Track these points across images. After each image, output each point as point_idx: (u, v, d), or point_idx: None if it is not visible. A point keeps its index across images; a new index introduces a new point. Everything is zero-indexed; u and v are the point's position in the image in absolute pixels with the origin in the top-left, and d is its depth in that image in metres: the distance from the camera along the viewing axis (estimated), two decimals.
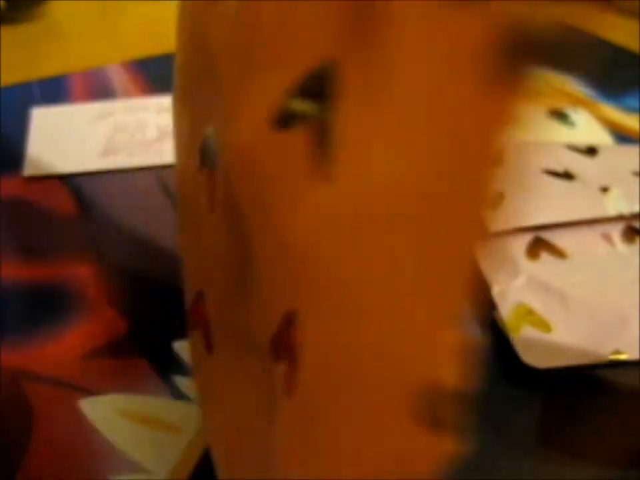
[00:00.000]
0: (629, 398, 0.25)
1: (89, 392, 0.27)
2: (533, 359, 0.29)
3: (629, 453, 0.25)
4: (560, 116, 0.44)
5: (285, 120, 0.16)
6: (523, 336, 0.29)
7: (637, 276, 0.33)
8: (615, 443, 0.24)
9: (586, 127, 0.43)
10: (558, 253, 0.34)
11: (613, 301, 0.31)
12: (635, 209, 0.35)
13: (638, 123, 0.43)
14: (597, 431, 0.26)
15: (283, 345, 0.17)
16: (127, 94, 0.46)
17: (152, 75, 0.48)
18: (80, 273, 0.32)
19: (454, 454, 0.14)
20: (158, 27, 0.53)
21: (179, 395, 0.27)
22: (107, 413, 0.26)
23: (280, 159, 0.16)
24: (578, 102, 0.45)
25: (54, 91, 0.46)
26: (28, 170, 0.39)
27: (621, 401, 0.28)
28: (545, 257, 0.33)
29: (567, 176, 0.37)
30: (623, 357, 0.29)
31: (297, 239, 0.16)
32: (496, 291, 0.31)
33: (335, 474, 0.15)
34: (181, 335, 0.29)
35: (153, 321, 0.30)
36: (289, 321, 0.16)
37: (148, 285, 0.32)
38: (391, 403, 0.14)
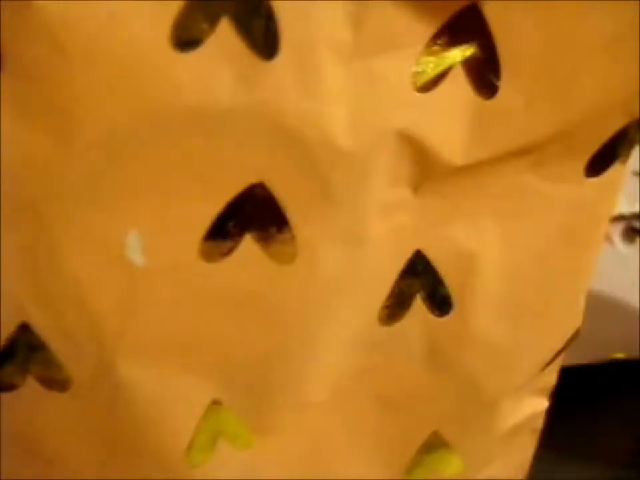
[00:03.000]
0: (628, 397, 0.26)
1: None
2: None
3: (629, 452, 0.27)
4: None
5: None
6: None
7: (637, 276, 0.34)
8: (615, 442, 0.26)
9: None
10: None
11: (613, 301, 0.32)
12: (635, 209, 0.36)
13: None
14: (596, 430, 0.27)
15: None
16: None
17: None
18: None
19: None
20: None
21: None
22: None
23: None
24: None
25: None
26: None
27: (620, 400, 0.29)
28: None
29: None
30: (622, 356, 0.31)
31: None
32: None
33: None
34: None
35: None
36: None
37: None
38: None
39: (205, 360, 0.25)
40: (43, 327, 0.24)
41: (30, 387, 0.25)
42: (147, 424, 0.25)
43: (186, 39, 0.20)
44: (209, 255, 0.23)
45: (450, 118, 0.22)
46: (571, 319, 0.27)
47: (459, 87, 0.22)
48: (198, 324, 0.24)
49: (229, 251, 0.23)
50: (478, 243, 0.25)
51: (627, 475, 0.27)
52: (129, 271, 0.23)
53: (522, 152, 0.24)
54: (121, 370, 0.24)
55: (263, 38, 0.20)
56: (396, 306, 0.26)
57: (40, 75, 0.20)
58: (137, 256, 0.23)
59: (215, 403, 0.26)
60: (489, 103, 0.22)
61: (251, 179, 0.22)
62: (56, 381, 0.25)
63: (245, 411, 0.26)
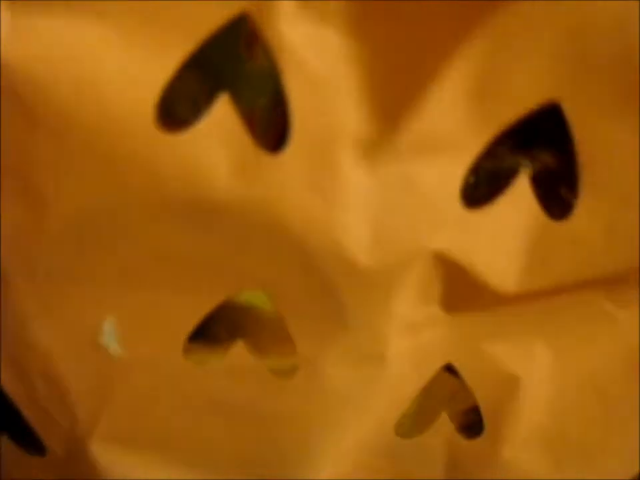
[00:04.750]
0: None
1: None
2: None
3: None
4: None
5: None
6: None
7: None
8: None
9: None
10: None
11: None
12: None
13: None
14: None
15: None
16: None
17: None
18: None
19: None
20: None
21: None
22: None
23: None
24: None
25: None
26: None
27: None
28: None
29: None
30: None
31: None
32: None
33: None
34: None
35: None
36: None
37: None
38: None
39: (189, 455, 0.21)
40: (14, 393, 0.20)
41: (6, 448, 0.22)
42: None
43: (174, 116, 0.15)
44: (193, 357, 0.18)
45: (505, 241, 0.16)
46: (627, 465, 0.21)
47: (521, 203, 0.16)
48: (180, 422, 0.20)
49: (217, 356, 0.18)
50: (523, 366, 0.20)
51: None
52: (104, 357, 0.19)
53: (594, 283, 0.18)
54: (96, 452, 0.21)
55: (270, 125, 0.15)
56: (418, 418, 0.21)
57: (8, 141, 0.16)
58: (112, 344, 0.19)
59: None
60: (559, 225, 0.16)
61: (247, 284, 0.17)
62: (33, 445, 0.21)
63: None
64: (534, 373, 0.20)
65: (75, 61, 0.15)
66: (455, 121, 0.15)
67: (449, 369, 0.20)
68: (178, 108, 0.15)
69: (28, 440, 0.21)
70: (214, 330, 0.18)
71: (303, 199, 0.15)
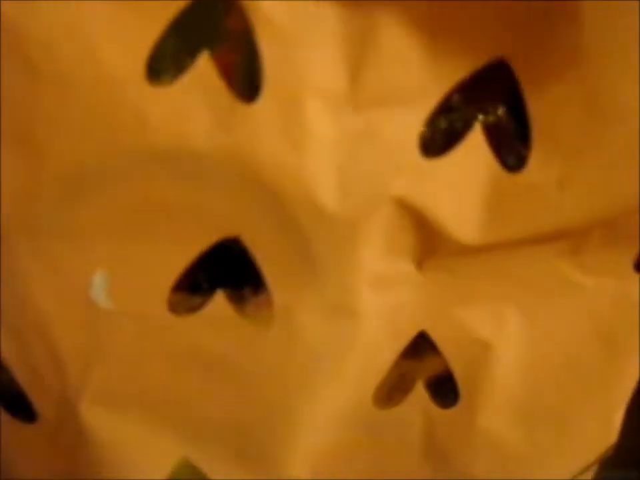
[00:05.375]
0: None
1: None
2: None
3: (630, 452, 0.25)
4: None
5: None
6: None
7: None
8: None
9: None
10: None
11: None
12: None
13: None
14: None
15: None
16: None
17: None
18: None
19: None
20: None
21: None
22: None
23: None
24: None
25: None
26: None
27: None
28: None
29: None
30: None
31: None
32: None
33: None
34: None
35: None
36: None
37: None
38: None
39: (173, 415, 0.22)
40: (7, 354, 0.21)
41: None
42: (113, 473, 0.22)
43: (161, 72, 0.17)
44: (177, 308, 0.20)
45: (462, 190, 0.18)
46: (601, 433, 0.22)
47: (477, 153, 0.17)
48: (164, 378, 0.21)
49: (199, 306, 0.19)
50: (495, 333, 0.20)
51: (627, 474, 0.26)
52: (94, 311, 0.20)
53: (554, 237, 0.19)
54: (85, 413, 0.21)
55: (245, 78, 0.17)
56: (394, 389, 0.22)
57: (11, 95, 0.17)
58: (101, 297, 0.20)
59: (186, 459, 0.23)
60: (514, 176, 0.18)
61: (225, 231, 0.18)
62: (21, 410, 0.22)
63: (217, 473, 0.23)
64: (505, 339, 0.21)
65: (74, 25, 0.16)
66: (413, 75, 0.17)
67: (422, 337, 0.21)
68: (164, 65, 0.17)
69: (18, 406, 0.22)
70: (195, 280, 0.19)
71: (275, 146, 0.17)
